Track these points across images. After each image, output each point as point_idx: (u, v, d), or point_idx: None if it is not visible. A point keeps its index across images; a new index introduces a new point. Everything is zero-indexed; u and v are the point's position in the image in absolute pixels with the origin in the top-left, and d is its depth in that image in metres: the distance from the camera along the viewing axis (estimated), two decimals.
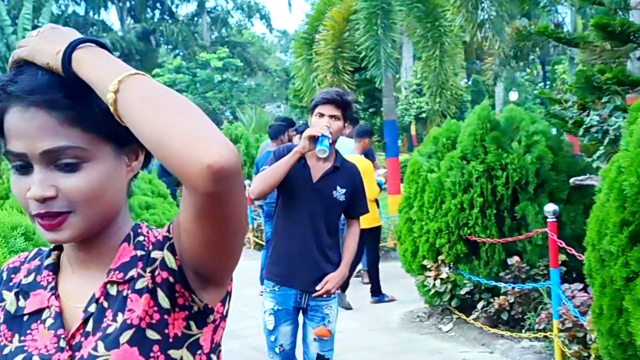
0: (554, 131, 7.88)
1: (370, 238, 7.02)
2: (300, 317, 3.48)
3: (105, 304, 1.02)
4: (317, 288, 3.34)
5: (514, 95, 23.74)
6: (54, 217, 0.99)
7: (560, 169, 5.67)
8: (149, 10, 42.24)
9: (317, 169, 3.38)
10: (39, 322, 1.06)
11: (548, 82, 24.48)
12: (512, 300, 5.33)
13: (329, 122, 3.27)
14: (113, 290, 1.03)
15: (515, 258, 5.40)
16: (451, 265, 5.73)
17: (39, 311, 1.07)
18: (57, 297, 1.07)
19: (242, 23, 46.02)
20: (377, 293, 6.97)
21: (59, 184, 0.98)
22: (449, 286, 5.70)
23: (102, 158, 1.01)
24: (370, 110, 13.22)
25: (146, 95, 0.89)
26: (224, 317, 1.10)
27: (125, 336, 0.98)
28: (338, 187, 3.38)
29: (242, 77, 38.90)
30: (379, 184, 7.00)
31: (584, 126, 5.45)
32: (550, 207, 4.69)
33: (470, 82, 25.36)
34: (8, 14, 28.69)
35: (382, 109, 11.35)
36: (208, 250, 0.97)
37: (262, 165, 7.08)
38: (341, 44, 10.22)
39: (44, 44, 0.97)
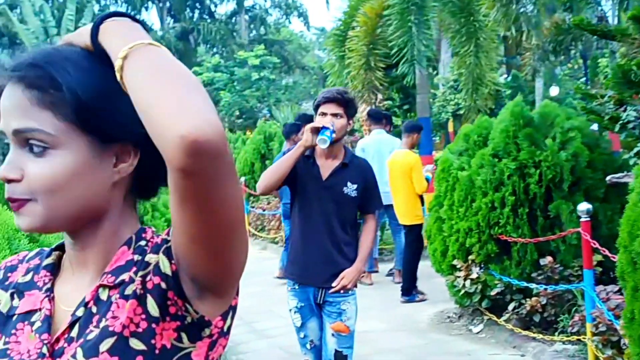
0: (595, 127, 7.66)
1: (410, 235, 6.94)
2: None
3: (94, 309, 0.95)
4: (333, 284, 3.37)
5: (554, 91, 23.19)
6: (14, 201, 0.95)
7: (596, 166, 5.48)
8: (188, 9, 42.64)
9: (326, 167, 3.43)
10: (26, 322, 1.00)
11: (589, 77, 23.93)
12: (544, 302, 5.17)
13: (332, 120, 3.32)
14: (104, 295, 0.96)
15: (548, 258, 5.23)
16: (481, 266, 5.59)
17: (30, 312, 1.01)
18: (51, 299, 1.01)
19: (280, 21, 46.13)
20: (408, 293, 6.85)
21: (26, 167, 0.93)
22: (479, 287, 5.56)
23: (74, 150, 0.94)
24: (405, 107, 13.06)
25: (149, 65, 0.84)
26: (224, 334, 0.98)
27: (106, 344, 0.91)
28: (349, 183, 3.41)
29: (280, 75, 38.99)
30: (427, 180, 6.90)
31: (621, 122, 5.25)
32: (583, 206, 4.52)
33: (509, 78, 24.89)
34: (52, 15, 29.29)
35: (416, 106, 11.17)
36: (198, 248, 0.89)
37: None
38: (374, 40, 10.10)
39: (88, 27, 0.96)
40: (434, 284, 6.92)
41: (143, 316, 0.92)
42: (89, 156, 0.95)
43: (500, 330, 5.51)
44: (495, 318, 5.58)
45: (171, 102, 0.80)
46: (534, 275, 5.27)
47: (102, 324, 0.92)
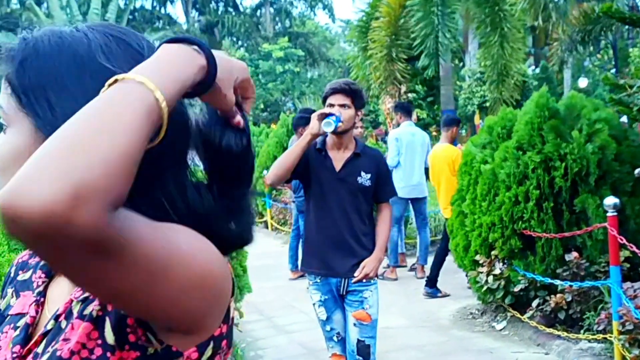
0: (624, 119, 7.44)
1: (446, 227, 6.92)
2: None
3: (63, 324, 0.84)
4: (355, 274, 3.38)
5: (583, 82, 22.77)
6: None
7: (624, 159, 5.30)
8: (213, 2, 42.73)
9: (338, 159, 3.45)
10: (12, 326, 0.92)
11: (619, 68, 23.44)
12: (569, 299, 5.02)
13: (340, 110, 3.34)
14: (75, 309, 0.84)
15: (574, 254, 5.08)
16: (505, 261, 5.45)
17: (19, 315, 0.93)
18: (40, 304, 0.92)
19: (305, 14, 46.00)
20: (432, 285, 6.75)
21: None
22: (503, 283, 5.43)
23: (20, 130, 0.86)
24: (429, 99, 12.88)
25: (95, 105, 0.68)
26: None
27: None
28: (362, 173, 3.43)
29: (304, 67, 38.90)
30: None
31: None
32: (610, 200, 4.37)
33: (538, 69, 24.51)
34: (79, 9, 29.54)
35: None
36: (122, 306, 0.76)
37: None
38: (396, 31, 9.96)
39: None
40: (457, 280, 6.80)
41: (99, 342, 0.79)
42: (31, 140, 0.84)
43: (524, 327, 5.38)
44: (518, 315, 5.45)
45: (39, 156, 0.63)
46: (558, 271, 5.12)
47: (53, 347, 0.81)
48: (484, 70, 13.54)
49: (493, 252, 5.49)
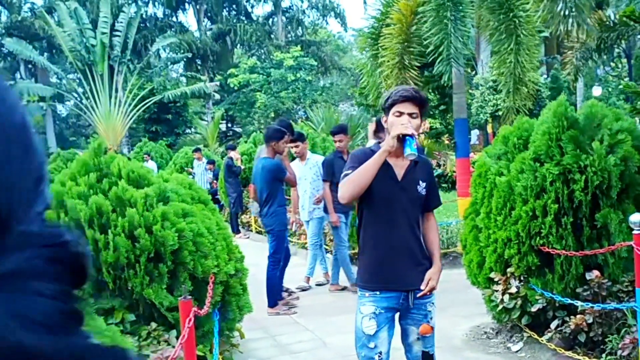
0: None
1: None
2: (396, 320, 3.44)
3: None
4: (422, 287, 3.30)
5: (597, 91, 22.40)
6: None
7: None
8: (225, 11, 42.70)
9: (399, 167, 3.34)
10: None
11: (634, 77, 23.05)
12: (590, 321, 4.72)
13: (409, 120, 3.20)
14: None
15: (595, 272, 4.79)
16: (521, 279, 5.16)
17: None
18: None
19: (317, 22, 45.87)
20: None
21: None
22: (519, 302, 5.13)
23: None
24: (441, 107, 12.58)
25: None
26: None
27: None
28: (420, 182, 3.37)
29: (316, 76, 38.72)
30: None
31: None
32: (636, 217, 4.08)
33: (549, 78, 24.17)
34: (88, 17, 29.50)
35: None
36: None
37: (262, 176, 6.88)
38: (408, 38, 9.69)
39: None
40: (470, 295, 6.51)
41: None
42: None
43: (542, 349, 5.08)
44: (536, 336, 5.15)
45: None
46: (578, 290, 4.82)
47: None
48: (496, 78, 13.26)
49: (509, 270, 5.20)
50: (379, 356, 3.30)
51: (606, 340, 4.67)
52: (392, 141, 3.14)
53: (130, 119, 30.21)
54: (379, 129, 7.51)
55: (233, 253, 4.89)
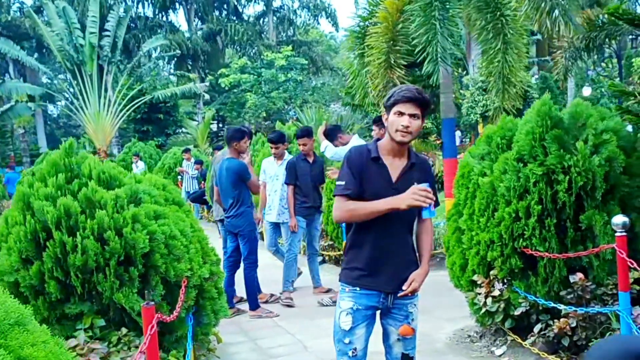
0: (629, 129, 7.05)
1: None
2: (377, 320, 3.40)
3: None
4: (404, 288, 3.24)
5: (587, 91, 22.36)
6: None
7: (634, 172, 4.90)
8: (216, 11, 42.49)
9: (395, 168, 3.25)
10: None
11: (624, 77, 23.04)
12: (574, 324, 4.62)
13: (409, 121, 3.12)
14: None
15: (579, 275, 4.68)
16: (504, 282, 5.05)
17: None
18: None
19: (309, 22, 45.73)
20: None
21: None
22: (502, 305, 5.03)
23: None
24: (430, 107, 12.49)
25: None
26: None
27: None
28: (416, 183, 3.20)
29: (308, 76, 38.57)
30: None
31: None
32: (619, 219, 3.98)
33: (538, 79, 24.15)
34: (77, 17, 29.26)
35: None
36: None
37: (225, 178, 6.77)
38: (394, 37, 9.56)
39: None
40: (453, 297, 6.40)
41: None
42: None
43: (525, 353, 4.97)
44: (519, 340, 5.04)
45: None
46: (562, 293, 4.72)
47: None
48: (485, 78, 13.16)
49: (492, 272, 5.10)
50: (352, 352, 3.25)
51: (590, 344, 4.57)
52: (407, 201, 3.07)
53: (120, 119, 29.99)
54: (331, 134, 7.40)
55: (208, 256, 4.77)
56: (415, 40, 9.28)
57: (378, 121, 7.25)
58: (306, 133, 7.54)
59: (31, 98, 30.39)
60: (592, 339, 4.57)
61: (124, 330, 4.11)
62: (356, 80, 10.37)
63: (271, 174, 7.78)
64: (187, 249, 4.39)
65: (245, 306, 7.23)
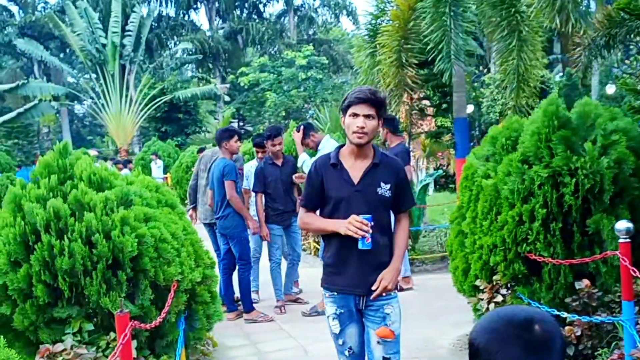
0: None
1: None
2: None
3: None
4: (373, 288, 3.23)
5: (610, 89, 21.87)
6: None
7: None
8: (237, 10, 42.56)
9: (356, 169, 3.29)
10: None
11: None
12: (579, 333, 4.45)
13: (364, 122, 3.18)
14: None
15: (585, 282, 4.51)
16: (508, 287, 4.89)
17: None
18: None
19: (330, 21, 45.62)
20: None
21: None
22: None
23: None
24: (443, 106, 12.27)
25: None
26: None
27: None
28: (382, 183, 3.28)
29: (328, 75, 38.45)
30: None
31: None
32: (622, 225, 3.81)
33: (564, 76, 23.71)
34: (99, 18, 29.51)
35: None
36: None
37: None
38: (406, 35, 9.42)
39: None
40: (463, 302, 6.23)
41: None
42: None
43: None
44: None
45: None
46: (567, 300, 4.55)
47: None
48: (502, 76, 12.95)
49: (495, 277, 4.94)
50: (349, 351, 3.35)
51: (596, 354, 4.40)
52: (347, 228, 3.15)
53: (141, 118, 30.18)
54: (304, 132, 6.88)
55: (202, 259, 4.68)
56: (427, 38, 9.14)
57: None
58: (277, 133, 7.12)
59: (55, 97, 30.72)
60: (599, 348, 4.40)
61: (112, 334, 4.03)
62: (367, 79, 10.24)
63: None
64: (178, 252, 4.30)
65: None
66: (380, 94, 3.33)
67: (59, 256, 3.94)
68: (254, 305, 6.94)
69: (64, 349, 3.79)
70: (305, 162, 6.59)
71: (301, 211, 3.45)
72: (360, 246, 3.16)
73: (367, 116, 3.18)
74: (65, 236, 3.99)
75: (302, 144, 6.77)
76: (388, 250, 3.36)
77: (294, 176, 7.02)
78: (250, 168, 7.54)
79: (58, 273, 3.94)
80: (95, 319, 4.07)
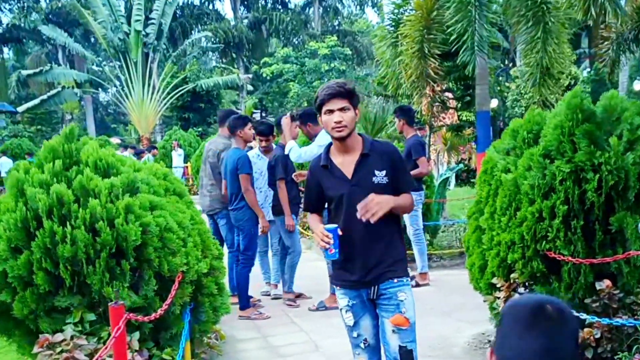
0: None
1: None
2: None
3: None
4: (359, 207, 3.09)
5: (638, 85, 21.42)
6: None
7: None
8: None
9: (346, 164, 3.29)
10: None
11: None
12: (598, 335, 4.26)
13: (340, 115, 3.19)
14: None
15: (606, 282, 4.31)
16: (525, 286, 4.71)
17: None
18: None
19: (355, 12, 45.33)
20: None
21: None
22: None
23: None
24: (465, 99, 12.01)
25: None
26: None
27: None
28: (376, 172, 3.26)
29: (352, 66, 38.20)
30: None
31: None
32: None
33: (592, 71, 23.27)
34: (124, 6, 29.56)
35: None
36: None
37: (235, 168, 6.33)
38: (429, 25, 9.21)
39: None
40: (478, 297, 6.05)
41: None
42: None
43: None
44: None
45: None
46: (587, 301, 4.36)
47: None
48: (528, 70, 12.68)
49: (512, 275, 4.76)
50: (364, 343, 3.33)
51: (615, 357, 4.21)
52: (317, 237, 3.20)
53: (164, 106, 30.22)
54: (302, 117, 6.59)
55: (209, 250, 4.56)
56: (451, 29, 8.93)
57: (397, 112, 6.82)
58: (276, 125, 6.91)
59: (78, 85, 30.88)
60: (619, 352, 4.22)
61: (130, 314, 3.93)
62: (389, 70, 10.04)
63: (256, 170, 6.96)
64: (185, 242, 4.19)
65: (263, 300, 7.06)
66: (349, 84, 3.30)
67: (61, 243, 3.84)
68: (265, 297, 6.83)
69: (64, 339, 3.69)
70: (293, 149, 6.32)
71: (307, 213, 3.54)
72: (325, 257, 3.22)
73: (341, 109, 3.19)
74: (68, 223, 3.89)
75: (301, 130, 6.63)
76: (398, 241, 3.35)
77: (293, 175, 6.73)
78: (252, 159, 7.00)
79: (60, 261, 3.85)
80: (98, 309, 3.96)
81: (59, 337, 3.71)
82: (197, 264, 4.24)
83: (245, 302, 6.52)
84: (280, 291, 7.23)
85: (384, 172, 3.26)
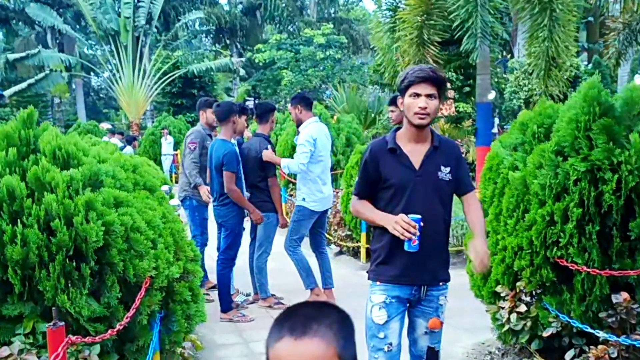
0: None
1: None
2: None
3: None
4: (477, 265, 3.10)
5: (639, 79, 21.02)
6: None
7: None
8: None
9: (416, 154, 3.13)
10: None
11: None
12: (614, 354, 3.83)
13: (426, 102, 3.02)
14: None
15: (624, 295, 3.89)
16: (533, 296, 4.28)
17: None
18: None
19: (351, 0, 44.72)
20: None
21: None
22: (529, 323, 4.26)
23: None
24: (465, 90, 11.56)
25: None
26: None
27: None
28: (442, 167, 3.14)
29: (347, 55, 37.65)
30: None
31: None
32: None
33: (590, 65, 22.84)
34: None
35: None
36: None
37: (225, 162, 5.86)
38: (429, 10, 8.72)
39: None
40: (479, 303, 5.63)
41: None
42: None
43: None
44: None
45: None
46: (602, 315, 3.94)
47: None
48: (532, 60, 12.22)
49: (518, 284, 4.32)
50: (388, 347, 3.14)
51: None
52: (394, 227, 2.98)
53: (155, 92, 29.63)
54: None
55: (183, 252, 4.09)
56: (454, 14, 8.45)
57: (393, 103, 6.34)
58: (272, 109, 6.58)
59: (67, 69, 30.23)
60: None
61: (72, 336, 3.46)
62: (386, 57, 9.56)
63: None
64: (154, 243, 3.72)
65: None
66: (441, 73, 3.16)
67: (10, 244, 3.37)
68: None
69: (10, 354, 3.23)
70: (288, 165, 6.12)
71: (353, 198, 3.29)
72: (406, 248, 2.99)
73: (429, 96, 3.02)
74: (19, 221, 3.42)
75: (290, 113, 6.31)
76: (447, 239, 3.26)
77: (263, 152, 6.22)
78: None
79: (9, 264, 3.37)
80: (51, 319, 3.49)
81: (4, 351, 3.24)
82: (168, 267, 3.77)
83: (227, 305, 6.05)
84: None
85: (448, 169, 3.15)
